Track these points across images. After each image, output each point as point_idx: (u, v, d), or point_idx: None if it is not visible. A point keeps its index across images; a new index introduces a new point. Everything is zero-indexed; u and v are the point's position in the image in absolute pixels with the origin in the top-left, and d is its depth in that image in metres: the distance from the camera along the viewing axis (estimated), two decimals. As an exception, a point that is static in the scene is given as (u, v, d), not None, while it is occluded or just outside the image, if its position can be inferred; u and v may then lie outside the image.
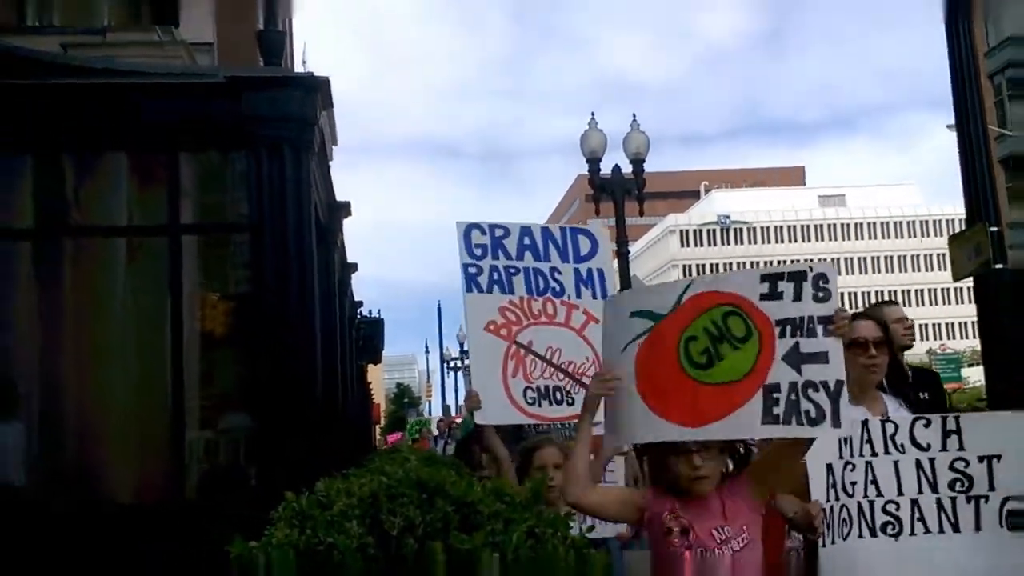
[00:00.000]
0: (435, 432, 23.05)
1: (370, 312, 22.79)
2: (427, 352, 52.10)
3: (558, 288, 4.76)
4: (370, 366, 24.37)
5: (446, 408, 39.58)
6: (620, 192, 14.29)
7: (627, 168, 14.63)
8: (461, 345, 41.76)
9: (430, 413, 41.99)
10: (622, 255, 13.71)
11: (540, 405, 4.57)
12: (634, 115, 15.05)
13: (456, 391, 45.80)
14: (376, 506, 2.14)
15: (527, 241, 4.78)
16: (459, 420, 19.18)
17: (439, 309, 43.77)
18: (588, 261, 4.85)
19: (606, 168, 14.62)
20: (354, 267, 13.50)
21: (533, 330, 4.65)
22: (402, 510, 2.11)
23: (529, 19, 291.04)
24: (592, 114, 14.94)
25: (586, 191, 18.01)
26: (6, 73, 5.57)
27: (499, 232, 4.76)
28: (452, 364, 43.91)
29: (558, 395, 4.61)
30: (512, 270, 4.71)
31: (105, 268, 6.50)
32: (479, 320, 4.61)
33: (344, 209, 9.41)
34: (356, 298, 16.56)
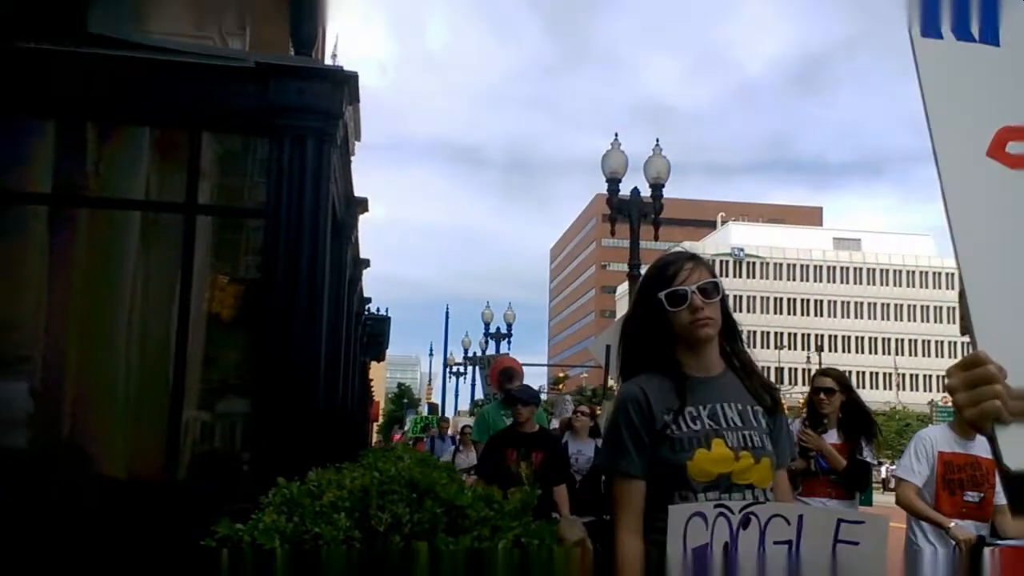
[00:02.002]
0: (435, 431, 21.19)
1: (378, 309, 22.81)
2: (431, 355, 52.20)
3: None
4: (373, 363, 24.36)
5: (432, 406, 39.09)
6: (637, 215, 14.30)
7: (646, 192, 14.63)
8: (465, 351, 41.77)
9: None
10: (634, 277, 13.73)
11: None
12: (657, 140, 15.09)
13: (456, 396, 45.82)
14: (366, 501, 2.14)
15: None
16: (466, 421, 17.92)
17: (447, 313, 43.66)
18: None
19: (625, 190, 14.64)
20: (366, 263, 13.51)
21: None
22: (391, 507, 2.10)
23: (564, 33, 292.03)
24: (616, 134, 14.97)
25: (603, 211, 18.03)
26: (37, 38, 5.61)
27: None
28: (454, 369, 43.88)
29: None
30: None
31: (118, 240, 6.51)
32: (967, 121, 1.60)
33: (361, 205, 9.42)
34: (365, 294, 16.55)
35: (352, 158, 9.47)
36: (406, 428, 33.19)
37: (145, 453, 6.12)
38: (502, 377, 8.98)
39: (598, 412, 8.33)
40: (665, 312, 2.58)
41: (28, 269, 6.22)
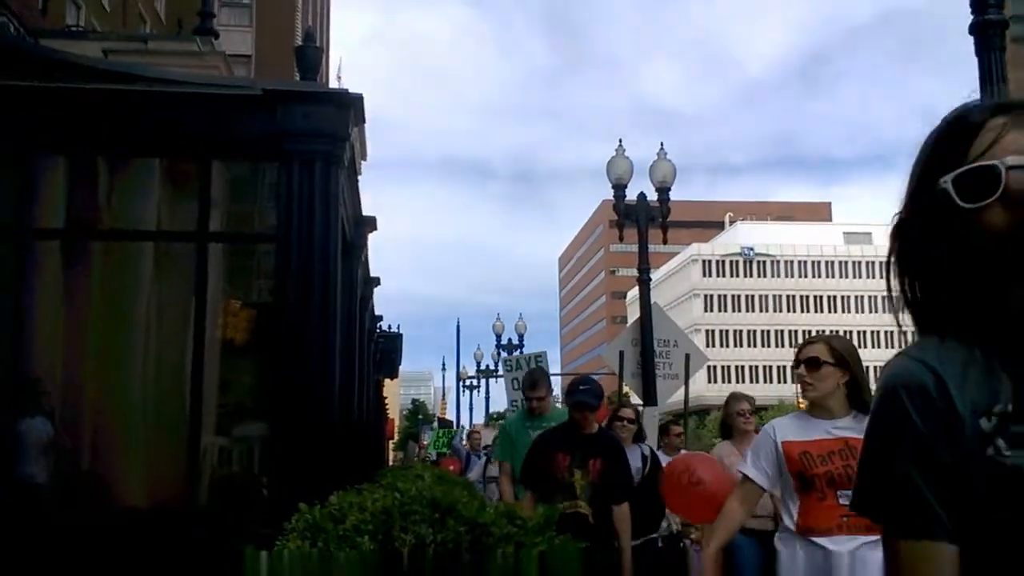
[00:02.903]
0: (465, 443, 19.82)
1: (389, 327, 22.86)
2: (444, 369, 52.14)
3: None
4: (386, 381, 24.39)
5: (445, 422, 38.74)
6: (644, 219, 14.28)
7: (653, 196, 14.65)
8: (478, 364, 41.73)
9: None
10: (643, 282, 13.70)
11: None
12: (662, 143, 15.14)
13: (471, 410, 45.76)
14: (388, 523, 2.16)
15: None
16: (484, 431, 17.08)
17: (458, 327, 43.68)
18: None
19: (632, 195, 14.65)
20: (376, 281, 13.56)
21: None
22: (414, 528, 2.12)
23: (565, 43, 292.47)
24: (620, 140, 15.01)
25: (611, 217, 18.02)
26: (47, 76, 5.68)
27: None
28: (468, 383, 43.84)
29: None
30: None
31: (132, 271, 6.57)
32: None
33: (370, 224, 9.47)
34: (376, 312, 16.59)
35: (359, 177, 9.52)
36: (426, 443, 32.90)
37: (165, 480, 6.16)
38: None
39: None
40: (959, 213, 1.22)
41: (44, 303, 6.28)
